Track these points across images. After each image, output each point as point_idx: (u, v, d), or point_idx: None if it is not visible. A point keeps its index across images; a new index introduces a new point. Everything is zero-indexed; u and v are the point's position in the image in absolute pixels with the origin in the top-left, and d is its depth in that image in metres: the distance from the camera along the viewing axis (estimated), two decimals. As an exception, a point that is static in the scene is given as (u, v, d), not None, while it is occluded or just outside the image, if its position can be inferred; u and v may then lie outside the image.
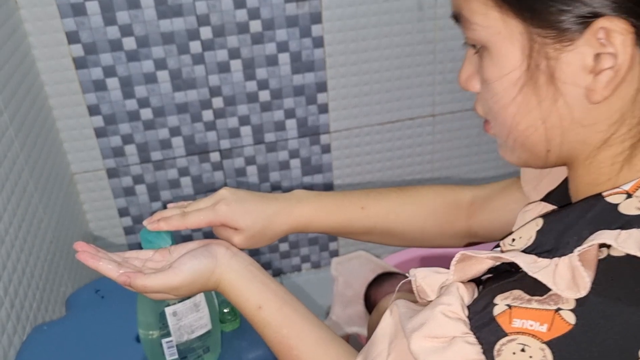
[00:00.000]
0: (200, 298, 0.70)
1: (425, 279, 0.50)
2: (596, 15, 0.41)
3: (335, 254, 1.65)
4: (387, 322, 0.51)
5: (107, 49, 1.26)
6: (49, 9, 1.19)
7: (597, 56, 0.42)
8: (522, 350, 0.42)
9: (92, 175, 1.39)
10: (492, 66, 0.47)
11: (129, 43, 1.26)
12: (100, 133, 1.34)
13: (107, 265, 0.61)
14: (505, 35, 0.45)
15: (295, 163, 1.49)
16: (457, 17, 0.50)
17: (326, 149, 1.48)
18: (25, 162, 1.07)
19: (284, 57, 1.35)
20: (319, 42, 1.35)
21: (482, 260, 0.48)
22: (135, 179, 1.42)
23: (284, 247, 1.61)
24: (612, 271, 0.42)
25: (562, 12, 0.42)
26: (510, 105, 0.47)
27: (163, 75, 1.31)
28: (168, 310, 0.68)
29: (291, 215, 0.71)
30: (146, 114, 1.35)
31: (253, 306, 0.61)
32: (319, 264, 1.67)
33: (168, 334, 0.70)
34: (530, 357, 0.41)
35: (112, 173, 1.40)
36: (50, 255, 1.14)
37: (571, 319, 0.41)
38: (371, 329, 0.95)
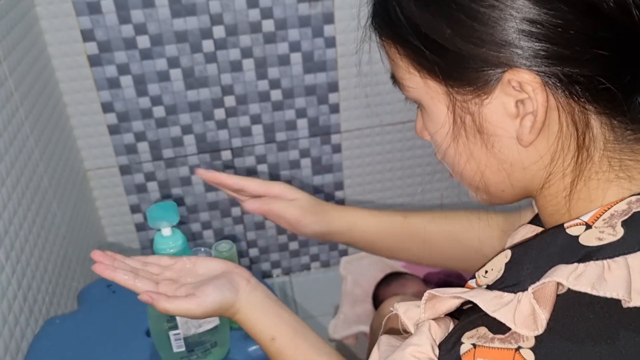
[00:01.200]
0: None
1: (406, 313, 0.52)
2: (504, 69, 0.44)
3: (344, 253, 1.66)
4: (373, 359, 0.53)
5: (122, 47, 1.27)
6: (65, 6, 1.21)
7: (519, 102, 0.45)
8: None
9: (105, 172, 1.41)
10: (429, 121, 0.53)
11: (143, 41, 1.27)
12: (113, 130, 1.36)
13: (124, 277, 0.65)
14: (431, 94, 0.50)
15: (305, 162, 1.50)
16: (393, 79, 0.56)
17: (337, 149, 1.49)
18: (40, 158, 1.09)
19: (296, 57, 1.36)
20: (331, 42, 1.35)
21: (447, 300, 0.49)
22: (147, 176, 1.44)
23: (293, 245, 1.62)
24: (569, 308, 0.42)
25: (473, 70, 0.46)
26: (452, 155, 0.52)
27: (176, 73, 1.32)
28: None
29: (339, 208, 0.80)
30: (159, 111, 1.36)
31: (267, 337, 0.64)
32: (328, 263, 1.67)
33: (176, 327, 0.71)
34: None
35: (124, 170, 1.42)
36: (63, 250, 1.15)
37: (531, 357, 0.41)
38: (372, 331, 0.96)
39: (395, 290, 1.28)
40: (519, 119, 0.46)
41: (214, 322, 0.73)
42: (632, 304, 0.40)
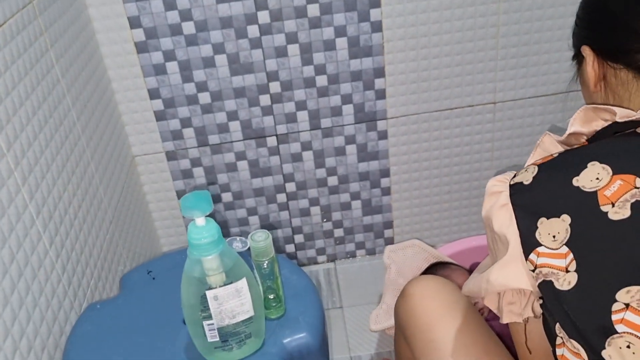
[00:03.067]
0: (243, 284, 0.70)
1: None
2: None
3: (390, 241, 1.63)
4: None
5: (167, 33, 1.28)
6: (112, -6, 1.22)
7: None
8: None
9: (152, 158, 1.43)
10: None
11: (188, 27, 1.28)
12: (159, 116, 1.37)
13: None
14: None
15: (351, 149, 1.48)
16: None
17: (383, 135, 1.46)
18: (87, 144, 1.11)
19: (341, 42, 1.33)
20: (377, 27, 1.32)
21: None
22: (192, 162, 1.45)
23: (338, 233, 1.61)
24: None
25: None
26: None
27: (221, 59, 1.32)
28: (209, 294, 0.69)
29: None
30: (204, 97, 1.36)
31: None
32: (374, 251, 1.65)
33: (210, 317, 0.71)
34: None
35: (170, 156, 1.43)
36: (110, 235, 1.17)
37: None
38: (397, 314, 0.93)
39: (440, 282, 1.25)
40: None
41: (248, 312, 0.73)
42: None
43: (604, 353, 0.56)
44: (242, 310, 0.71)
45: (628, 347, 0.55)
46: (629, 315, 0.55)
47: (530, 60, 1.40)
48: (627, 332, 0.55)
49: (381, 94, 1.40)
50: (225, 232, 1.56)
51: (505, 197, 0.64)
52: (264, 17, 1.28)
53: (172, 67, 1.31)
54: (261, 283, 0.79)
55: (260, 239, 0.77)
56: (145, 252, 1.39)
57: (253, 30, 1.30)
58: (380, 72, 1.38)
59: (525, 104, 1.46)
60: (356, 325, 1.43)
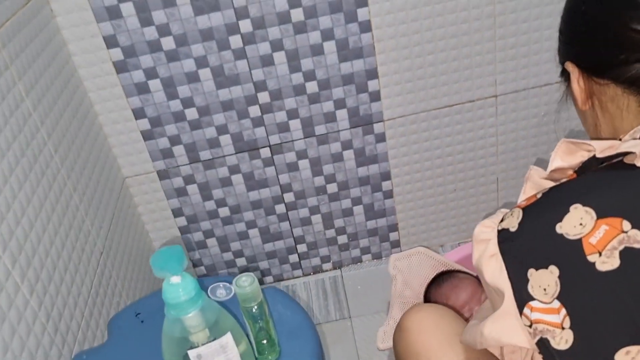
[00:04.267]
0: (228, 339, 0.65)
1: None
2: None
3: (396, 244, 1.58)
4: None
5: (147, 50, 1.22)
6: (85, 14, 1.16)
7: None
8: None
9: (144, 178, 1.38)
10: None
11: (168, 43, 1.22)
12: (147, 136, 1.32)
13: None
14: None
15: (348, 154, 1.42)
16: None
17: (380, 138, 1.40)
18: (67, 177, 1.06)
19: (329, 46, 1.27)
20: (366, 27, 1.25)
21: None
22: (186, 180, 1.40)
23: (342, 239, 1.56)
24: None
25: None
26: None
27: (205, 73, 1.26)
28: (192, 354, 0.64)
29: None
30: (191, 113, 1.31)
31: None
32: (380, 255, 1.60)
33: (196, 376, 0.66)
34: None
35: (162, 175, 1.38)
36: (100, 267, 1.13)
37: None
38: (396, 349, 0.88)
39: (448, 293, 1.20)
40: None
41: (236, 365, 0.68)
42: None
43: None
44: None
45: None
46: None
47: (530, 49, 1.33)
48: None
49: (376, 96, 1.34)
50: (225, 247, 1.51)
51: (493, 245, 0.59)
52: (245, 26, 1.22)
53: (155, 85, 1.26)
54: (252, 328, 0.74)
55: (246, 284, 0.72)
56: (144, 276, 1.34)
57: (236, 41, 1.24)
58: (373, 74, 1.31)
59: (529, 94, 1.39)
60: (365, 337, 1.38)
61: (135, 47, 1.21)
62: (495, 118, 1.41)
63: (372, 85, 1.33)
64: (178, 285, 0.62)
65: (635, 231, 0.52)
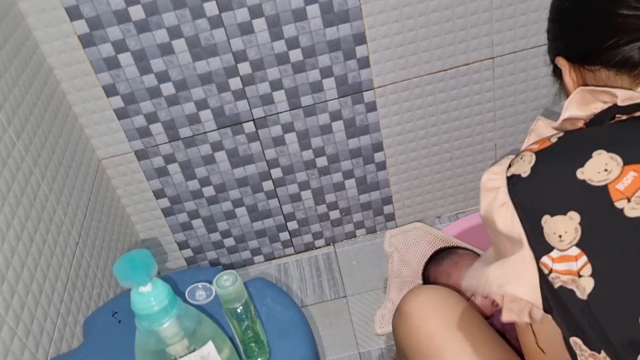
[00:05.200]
0: (209, 349, 0.58)
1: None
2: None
3: (390, 217, 1.51)
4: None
5: (114, 21, 1.12)
6: (44, -16, 1.06)
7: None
8: None
9: (121, 159, 1.29)
10: None
11: (136, 12, 1.12)
12: (121, 114, 1.23)
13: None
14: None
15: (338, 126, 1.33)
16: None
17: (371, 107, 1.32)
18: (33, 165, 0.97)
19: (312, 10, 1.17)
20: (351, -12, 1.16)
21: None
22: (166, 159, 1.31)
23: (334, 214, 1.49)
24: None
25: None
26: None
27: (179, 44, 1.17)
28: (170, 369, 0.57)
29: None
30: (167, 88, 1.22)
31: None
32: (374, 229, 1.53)
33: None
34: None
35: (141, 155, 1.29)
36: (77, 259, 1.05)
37: None
38: (396, 335, 0.82)
39: (448, 270, 1.13)
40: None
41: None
42: None
43: None
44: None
45: None
46: None
47: (529, 5, 1.23)
48: None
49: (364, 63, 1.25)
50: (212, 227, 1.44)
51: (504, 193, 0.57)
52: (221, -9, 1.12)
53: (126, 58, 1.16)
54: (237, 330, 0.67)
55: (228, 284, 0.64)
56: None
57: (211, 8, 1.14)
58: (360, 39, 1.22)
59: (528, 55, 1.30)
60: (362, 316, 1.32)
61: (101, 18, 1.11)
62: (493, 82, 1.33)
63: (360, 51, 1.23)
64: (148, 294, 0.54)
65: None
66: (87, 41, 1.13)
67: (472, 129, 1.39)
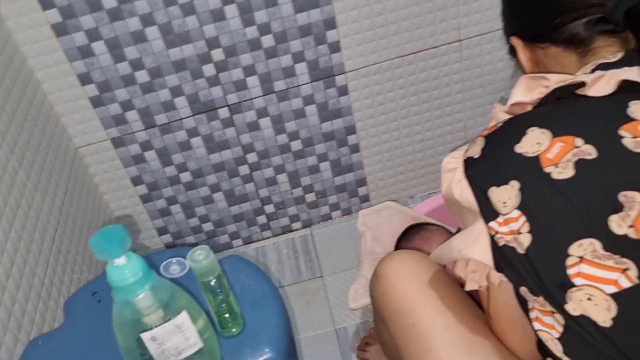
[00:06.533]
0: (183, 318, 0.61)
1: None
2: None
3: (365, 199, 1.55)
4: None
5: (86, 10, 1.13)
6: (15, -26, 1.07)
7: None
8: None
9: (97, 147, 1.31)
10: None
11: (109, 0, 1.13)
12: (96, 102, 1.25)
13: None
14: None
15: (311, 110, 1.36)
16: None
17: (343, 91, 1.35)
18: (10, 153, 0.99)
19: (283, -4, 1.20)
20: (320, -26, 1.18)
21: None
22: (143, 146, 1.33)
23: (310, 197, 1.52)
24: None
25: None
26: None
27: (152, 31, 1.19)
28: (145, 336, 0.60)
29: None
30: (142, 76, 1.24)
31: None
32: (350, 210, 1.57)
33: (151, 359, 0.62)
34: None
35: (117, 142, 1.31)
36: (57, 244, 1.07)
37: None
38: (373, 296, 0.87)
39: (419, 245, 1.17)
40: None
41: (196, 345, 0.64)
42: None
43: (567, 307, 0.57)
44: (187, 345, 0.63)
45: (589, 299, 0.56)
46: (584, 268, 0.57)
47: (493, -11, 1.27)
48: (586, 285, 0.56)
49: (335, 47, 1.28)
50: (190, 212, 1.47)
51: (460, 172, 0.66)
52: (192, -22, 1.14)
53: (99, 47, 1.18)
54: (212, 303, 0.70)
55: (201, 258, 0.67)
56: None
57: (182, -5, 1.16)
58: (331, 23, 1.25)
59: (494, 37, 1.34)
60: (338, 294, 1.36)
61: (74, 7, 1.13)
62: (461, 63, 1.36)
63: (331, 35, 1.26)
64: (124, 267, 0.57)
65: (587, 146, 0.59)
66: (60, 30, 1.14)
67: (442, 110, 1.43)
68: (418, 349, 0.76)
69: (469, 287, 0.67)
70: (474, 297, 0.82)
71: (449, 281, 0.83)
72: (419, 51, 1.32)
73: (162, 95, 1.27)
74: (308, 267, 1.46)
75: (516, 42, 0.75)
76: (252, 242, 1.57)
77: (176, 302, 0.62)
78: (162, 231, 1.49)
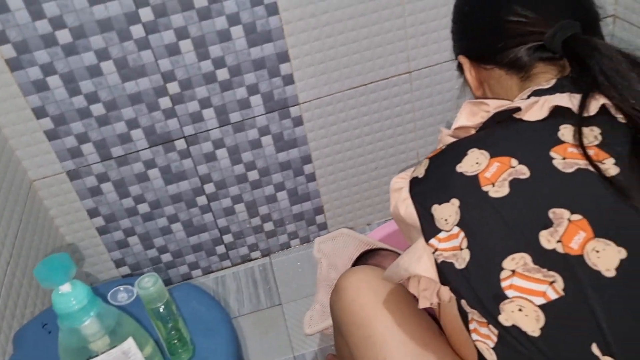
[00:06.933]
0: (129, 344, 0.62)
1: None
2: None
3: (323, 226, 1.57)
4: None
5: (41, 45, 1.15)
6: (-31, 10, 1.08)
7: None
8: None
9: (52, 180, 1.31)
10: None
11: (64, 36, 1.15)
12: (52, 135, 1.25)
13: None
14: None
15: (267, 140, 1.39)
16: None
17: (298, 122, 1.38)
18: (-40, 186, 0.99)
19: (237, 31, 1.23)
20: (273, 9, 1.22)
21: None
22: (99, 178, 1.34)
23: (268, 226, 1.54)
24: None
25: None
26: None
27: (108, 66, 1.21)
28: (92, 365, 0.61)
29: None
30: (97, 109, 1.25)
31: None
32: (308, 239, 1.59)
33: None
34: None
35: (73, 175, 1.32)
36: (8, 278, 1.07)
37: None
38: (333, 310, 0.88)
39: (373, 271, 1.19)
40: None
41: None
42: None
43: (500, 318, 0.60)
44: (134, 373, 0.64)
45: (520, 310, 0.59)
46: (516, 281, 0.60)
47: (440, 23, 1.33)
48: (517, 297, 0.60)
49: (289, 80, 1.32)
50: (149, 244, 1.47)
51: (405, 192, 0.69)
52: (146, 14, 1.17)
53: (54, 81, 1.19)
54: (161, 329, 0.71)
55: (149, 285, 0.69)
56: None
57: (137, 31, 1.18)
58: (284, 57, 1.29)
59: (442, 68, 1.40)
60: (297, 322, 1.37)
61: (28, 42, 1.14)
62: (411, 94, 1.41)
63: (284, 68, 1.30)
64: (69, 295, 0.58)
65: (521, 166, 0.64)
66: (14, 65, 1.16)
67: (394, 139, 1.47)
68: None
69: (421, 305, 0.70)
70: (431, 313, 0.85)
71: (406, 296, 0.85)
72: (370, 83, 1.37)
73: (118, 127, 1.28)
74: (267, 295, 1.47)
75: (463, 60, 0.80)
76: (212, 272, 1.58)
77: (123, 328, 0.63)
78: (119, 263, 1.48)
